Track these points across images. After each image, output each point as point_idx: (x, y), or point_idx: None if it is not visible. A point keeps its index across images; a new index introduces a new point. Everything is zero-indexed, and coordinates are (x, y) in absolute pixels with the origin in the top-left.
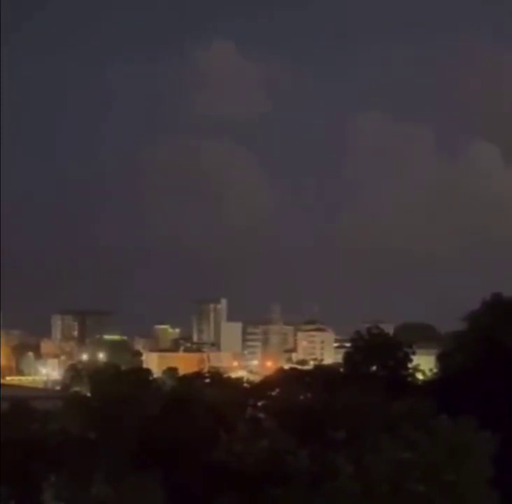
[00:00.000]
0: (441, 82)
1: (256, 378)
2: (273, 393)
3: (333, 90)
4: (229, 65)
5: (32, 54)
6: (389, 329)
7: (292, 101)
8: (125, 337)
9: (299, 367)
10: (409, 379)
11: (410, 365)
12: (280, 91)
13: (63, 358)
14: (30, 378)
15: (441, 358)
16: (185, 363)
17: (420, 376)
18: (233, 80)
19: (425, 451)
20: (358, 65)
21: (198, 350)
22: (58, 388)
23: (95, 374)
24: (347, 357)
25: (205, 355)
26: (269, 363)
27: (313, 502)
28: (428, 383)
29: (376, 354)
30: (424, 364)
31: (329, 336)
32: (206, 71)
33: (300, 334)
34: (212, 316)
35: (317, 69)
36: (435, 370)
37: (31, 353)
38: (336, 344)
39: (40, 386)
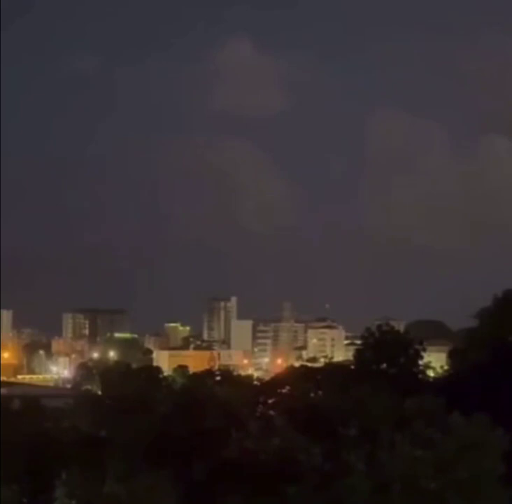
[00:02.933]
0: (459, 79)
1: (266, 375)
2: (284, 391)
3: (349, 87)
4: (244, 62)
5: (40, 54)
6: (400, 326)
7: (308, 99)
8: (136, 335)
9: (310, 364)
10: (420, 376)
11: (421, 362)
12: (296, 88)
13: (74, 356)
14: (41, 376)
15: (452, 355)
16: (196, 361)
17: (431, 373)
18: (248, 77)
19: (438, 448)
20: (375, 62)
21: (209, 348)
22: (69, 386)
23: (106, 372)
24: (358, 354)
25: (215, 353)
26: (279, 361)
27: (326, 500)
28: (439, 380)
29: (387, 351)
30: (435, 361)
31: (340, 333)
32: (221, 68)
33: (310, 332)
34: (222, 314)
35: (334, 66)
36: (446, 367)
37: (42, 352)
38: (346, 341)
39: (51, 384)
